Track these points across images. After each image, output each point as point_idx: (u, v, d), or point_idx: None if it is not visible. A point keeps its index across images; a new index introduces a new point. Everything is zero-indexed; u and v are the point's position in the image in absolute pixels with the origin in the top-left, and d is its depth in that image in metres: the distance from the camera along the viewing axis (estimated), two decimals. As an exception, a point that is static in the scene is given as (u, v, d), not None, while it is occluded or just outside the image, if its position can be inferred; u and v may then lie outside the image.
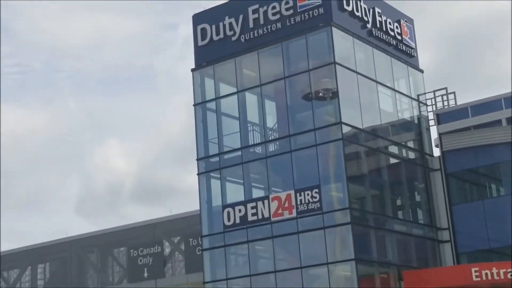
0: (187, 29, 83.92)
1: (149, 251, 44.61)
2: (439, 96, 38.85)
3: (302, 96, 34.15)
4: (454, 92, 38.62)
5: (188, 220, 43.40)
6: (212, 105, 36.74)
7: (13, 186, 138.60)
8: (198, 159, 36.20)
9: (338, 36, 33.66)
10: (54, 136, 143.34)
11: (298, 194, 32.69)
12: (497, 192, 36.97)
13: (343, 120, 32.48)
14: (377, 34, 36.17)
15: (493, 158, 36.04)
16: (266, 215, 33.43)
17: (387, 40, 36.92)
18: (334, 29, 33.36)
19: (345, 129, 32.74)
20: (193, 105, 36.92)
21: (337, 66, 33.03)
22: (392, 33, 37.34)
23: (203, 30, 37.08)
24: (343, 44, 33.96)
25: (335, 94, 32.90)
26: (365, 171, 34.00)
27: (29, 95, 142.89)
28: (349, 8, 34.46)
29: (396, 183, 36.06)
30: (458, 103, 37.91)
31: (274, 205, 33.31)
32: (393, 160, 36.04)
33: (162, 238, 44.46)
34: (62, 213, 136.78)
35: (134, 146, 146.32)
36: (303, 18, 34.12)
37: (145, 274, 44.40)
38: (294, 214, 32.72)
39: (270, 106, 36.27)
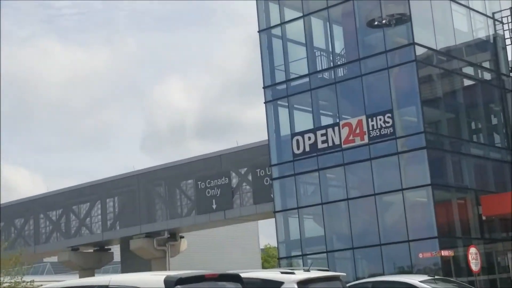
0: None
1: (216, 183, 44.33)
2: (514, 13, 36.84)
3: (370, 20, 32.72)
4: (531, 8, 36.55)
5: (255, 151, 42.77)
6: (277, 31, 35.63)
7: (78, 125, 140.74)
8: (264, 87, 35.35)
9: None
10: (115, 74, 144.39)
11: (369, 120, 31.64)
12: None
13: (416, 41, 31.02)
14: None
15: None
16: (337, 142, 32.54)
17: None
18: None
19: (418, 51, 31.27)
20: (258, 32, 35.88)
21: (410, -14, 31.39)
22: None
23: (265, -44, 35.74)
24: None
25: (406, 17, 31.37)
26: (440, 94, 32.66)
27: (89, 35, 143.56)
28: None
29: (472, 106, 34.63)
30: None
31: (344, 131, 32.36)
32: (468, 82, 34.52)
33: (229, 170, 44.05)
34: (127, 150, 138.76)
35: (195, 82, 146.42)
36: None
37: (214, 206, 44.29)
38: (366, 140, 31.74)
39: (337, 32, 34.96)
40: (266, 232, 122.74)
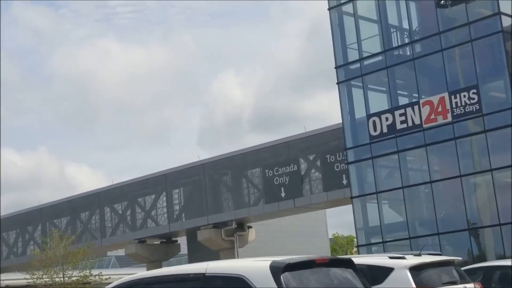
0: None
1: (284, 170, 42.83)
2: None
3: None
4: None
5: (324, 136, 41.14)
6: (348, 8, 33.86)
7: (139, 123, 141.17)
8: (336, 67, 33.65)
9: None
10: (172, 71, 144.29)
11: (452, 97, 29.66)
12: None
13: (501, 10, 28.88)
14: None
15: None
16: (417, 121, 30.65)
17: None
18: None
19: (505, 21, 29.11)
20: (328, 9, 34.17)
21: None
22: None
23: None
24: None
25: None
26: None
27: (145, 33, 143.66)
28: None
29: None
30: None
31: (425, 110, 30.44)
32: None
33: (298, 157, 42.52)
34: (186, 145, 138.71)
35: (250, 76, 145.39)
36: None
37: (282, 194, 42.82)
38: (449, 118, 29.77)
39: (410, 9, 32.96)
40: (335, 221, 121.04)
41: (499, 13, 28.79)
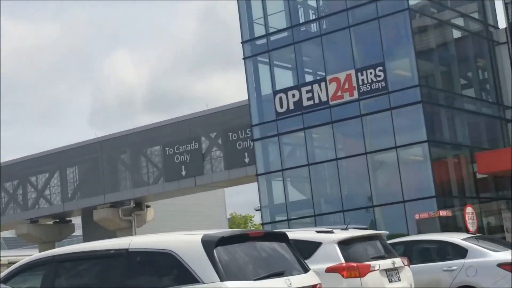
0: None
1: (185, 148, 41.90)
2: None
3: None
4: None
5: (226, 114, 40.53)
6: (255, -20, 33.20)
7: (26, 100, 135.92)
8: (243, 42, 32.96)
9: None
10: (63, 48, 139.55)
11: (359, 74, 29.60)
12: None
13: (408, -12, 29.02)
14: None
15: None
16: (324, 98, 30.44)
17: None
18: None
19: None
20: (235, -19, 33.43)
21: None
22: None
23: None
24: None
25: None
26: (433, 46, 30.76)
27: (37, 8, 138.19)
28: None
29: (463, 59, 32.88)
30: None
31: (332, 87, 30.27)
32: (458, 34, 32.73)
33: (199, 134, 41.70)
34: (76, 125, 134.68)
35: (144, 55, 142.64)
36: None
37: (183, 172, 41.92)
38: (355, 95, 29.72)
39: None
40: (232, 200, 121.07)
41: (406, -9, 28.88)
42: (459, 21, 32.89)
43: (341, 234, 12.67)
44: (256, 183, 32.42)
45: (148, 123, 45.05)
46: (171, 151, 42.12)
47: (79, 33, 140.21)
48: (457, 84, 31.86)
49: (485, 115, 32.40)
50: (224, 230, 9.61)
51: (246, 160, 38.27)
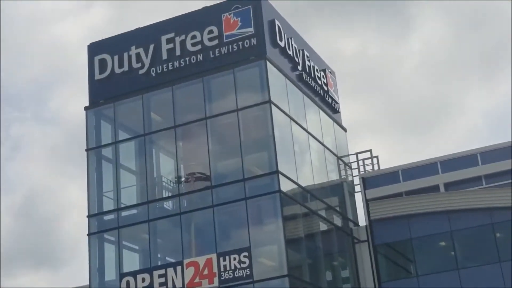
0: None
1: None
2: (361, 160, 34.53)
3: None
4: (377, 156, 34.40)
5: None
6: (108, 152, 30.01)
7: None
8: (89, 216, 29.02)
9: (272, 73, 28.51)
10: None
11: (221, 259, 26.31)
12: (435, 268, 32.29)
13: (279, 170, 26.88)
14: (306, 80, 31.45)
15: (429, 228, 31.62)
16: (179, 285, 26.61)
17: (315, 88, 32.31)
18: (268, 64, 28.21)
19: (284, 186, 27.04)
20: (86, 151, 30.02)
21: (272, 106, 27.73)
22: (319, 82, 32.85)
23: (102, 61, 30.70)
24: (276, 83, 28.80)
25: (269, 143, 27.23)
26: (301, 235, 28.26)
27: None
28: (282, 44, 29.59)
29: (328, 253, 30.60)
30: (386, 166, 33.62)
31: (189, 272, 26.62)
32: (324, 227, 30.68)
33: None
34: None
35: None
36: (230, 50, 28.75)
37: None
38: (215, 283, 26.18)
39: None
40: None
41: (277, 172, 26.70)
42: (326, 214, 30.94)
43: None
44: None
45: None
46: None
47: None
48: (323, 278, 29.26)
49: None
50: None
51: None
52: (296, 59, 30.72)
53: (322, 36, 64.28)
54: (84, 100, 30.75)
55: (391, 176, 32.97)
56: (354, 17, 66.61)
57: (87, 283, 28.56)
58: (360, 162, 34.10)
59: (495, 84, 66.05)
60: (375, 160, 34.18)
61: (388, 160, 68.66)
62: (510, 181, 30.68)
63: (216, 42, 28.91)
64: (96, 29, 66.99)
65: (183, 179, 28.39)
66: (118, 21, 67.34)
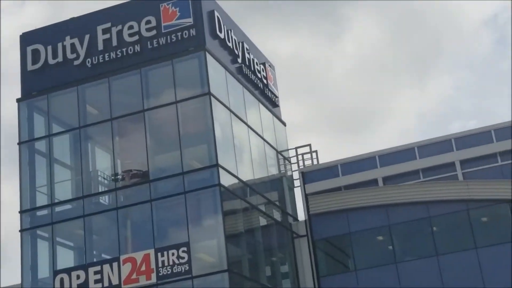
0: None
1: None
2: (300, 154, 34.37)
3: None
4: (316, 151, 34.29)
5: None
6: (42, 146, 29.01)
7: None
8: (21, 212, 27.99)
9: (211, 65, 28.00)
10: None
11: (159, 255, 25.68)
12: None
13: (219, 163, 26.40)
14: (246, 73, 31.08)
15: (367, 222, 31.64)
16: (115, 282, 25.87)
17: (255, 81, 31.95)
18: (208, 55, 27.69)
19: (224, 179, 26.54)
20: (18, 144, 28.95)
21: (212, 99, 27.22)
22: (259, 75, 32.51)
23: (35, 52, 29.66)
24: (216, 75, 28.31)
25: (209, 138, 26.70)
26: (241, 229, 27.83)
27: None
28: (222, 35, 29.12)
29: (268, 248, 30.29)
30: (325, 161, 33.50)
31: (126, 268, 25.91)
32: (264, 221, 30.34)
33: None
34: None
35: None
36: (169, 41, 28.12)
37: None
38: (153, 279, 25.55)
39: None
40: None
41: (217, 165, 26.22)
42: (265, 208, 30.61)
43: None
44: None
45: None
46: None
47: None
48: (263, 274, 28.93)
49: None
50: None
51: None
52: (236, 51, 30.30)
53: (260, 36, 64.15)
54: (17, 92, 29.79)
55: (330, 170, 32.87)
56: (290, 18, 66.63)
57: (20, 281, 27.55)
58: (300, 157, 34.02)
59: (425, 85, 67.06)
60: (314, 154, 34.19)
61: (326, 159, 68.86)
62: (447, 174, 31.01)
63: (154, 32, 28.26)
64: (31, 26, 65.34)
65: (119, 176, 27.62)
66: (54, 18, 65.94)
